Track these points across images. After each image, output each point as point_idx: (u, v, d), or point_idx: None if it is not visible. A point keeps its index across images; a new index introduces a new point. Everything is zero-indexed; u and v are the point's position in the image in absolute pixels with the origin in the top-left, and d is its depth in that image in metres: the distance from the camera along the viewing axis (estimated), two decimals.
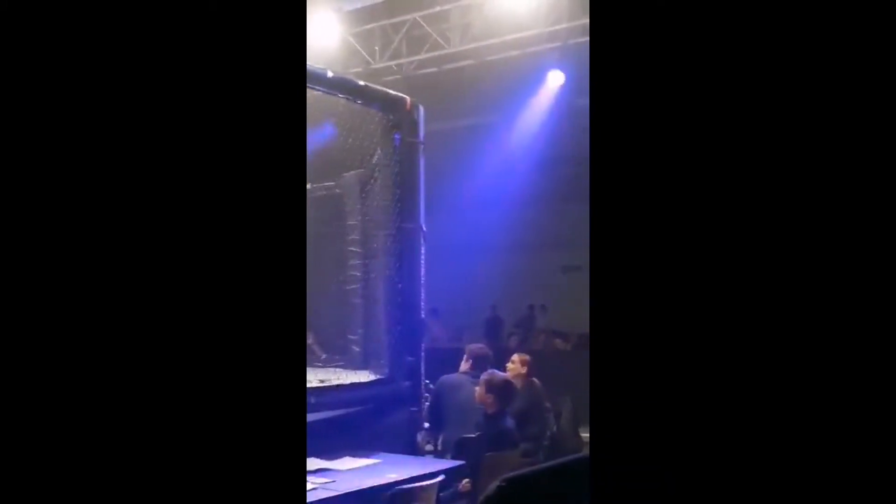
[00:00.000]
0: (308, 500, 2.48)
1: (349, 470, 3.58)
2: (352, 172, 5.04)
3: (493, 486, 1.71)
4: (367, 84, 4.42)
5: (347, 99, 4.38)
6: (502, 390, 4.18)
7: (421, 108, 4.73)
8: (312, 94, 4.53)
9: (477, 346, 5.11)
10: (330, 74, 4.29)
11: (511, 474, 1.80)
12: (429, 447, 4.66)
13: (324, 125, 5.41)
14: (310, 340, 5.63)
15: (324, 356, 5.45)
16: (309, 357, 5.93)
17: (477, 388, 4.25)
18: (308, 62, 4.83)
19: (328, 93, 4.30)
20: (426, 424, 4.66)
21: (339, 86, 4.32)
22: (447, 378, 4.67)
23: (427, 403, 4.68)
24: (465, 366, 4.82)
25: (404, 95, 4.73)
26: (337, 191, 5.36)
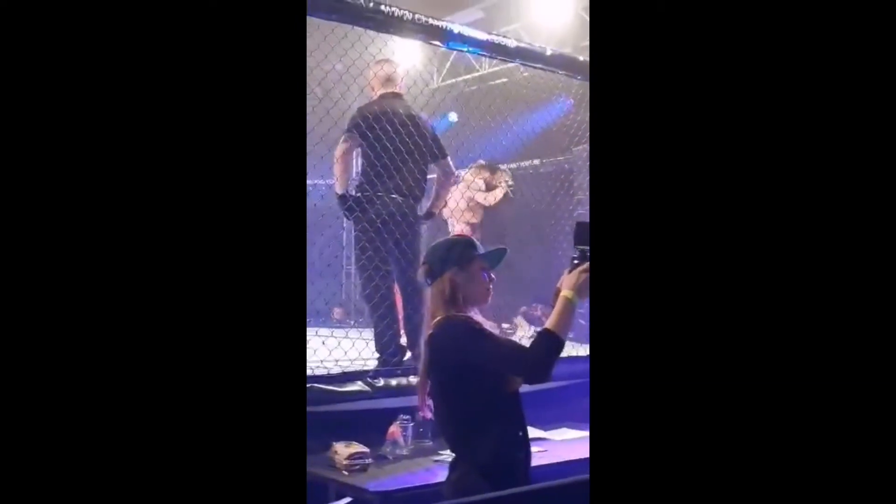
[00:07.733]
0: None
1: (562, 441, 3.63)
2: (580, 147, 5.05)
3: None
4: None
5: (568, 76, 4.37)
6: None
7: None
8: (541, 73, 4.57)
9: None
10: (549, 52, 4.29)
11: None
12: None
13: (560, 100, 5.45)
14: (523, 309, 5.70)
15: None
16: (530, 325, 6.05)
17: None
18: (540, 42, 4.91)
19: (548, 69, 4.32)
20: None
21: (560, 64, 4.31)
22: None
23: None
24: None
25: None
26: (566, 165, 5.40)
